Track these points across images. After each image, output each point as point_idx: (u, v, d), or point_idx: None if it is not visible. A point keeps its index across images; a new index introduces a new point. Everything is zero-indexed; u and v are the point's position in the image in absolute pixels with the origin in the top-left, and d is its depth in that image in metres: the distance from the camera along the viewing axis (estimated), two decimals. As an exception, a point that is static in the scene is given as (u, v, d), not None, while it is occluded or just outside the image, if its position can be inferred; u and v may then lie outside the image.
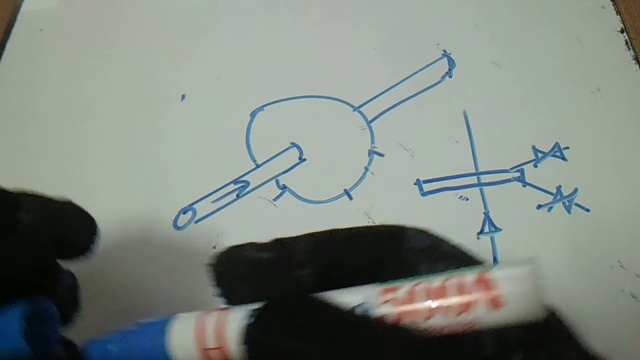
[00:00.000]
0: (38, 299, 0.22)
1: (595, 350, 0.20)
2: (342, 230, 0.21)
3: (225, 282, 0.21)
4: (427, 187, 0.47)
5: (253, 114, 0.51)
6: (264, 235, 0.21)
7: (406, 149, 0.48)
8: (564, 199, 0.46)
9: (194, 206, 0.46)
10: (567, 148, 0.48)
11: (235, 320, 0.19)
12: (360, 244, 0.21)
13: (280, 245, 0.21)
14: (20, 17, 0.57)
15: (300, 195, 0.47)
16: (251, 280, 0.21)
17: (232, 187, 0.47)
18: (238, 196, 0.47)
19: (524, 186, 0.47)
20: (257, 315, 0.18)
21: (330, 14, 0.56)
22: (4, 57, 0.54)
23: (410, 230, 0.21)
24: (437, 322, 0.17)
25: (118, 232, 0.45)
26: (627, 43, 0.52)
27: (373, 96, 0.51)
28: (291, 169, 0.48)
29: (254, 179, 0.47)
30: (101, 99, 0.52)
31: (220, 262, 0.21)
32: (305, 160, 0.48)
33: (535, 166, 0.47)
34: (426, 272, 0.19)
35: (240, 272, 0.21)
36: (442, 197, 0.46)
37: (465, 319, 0.17)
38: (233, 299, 0.21)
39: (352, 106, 0.51)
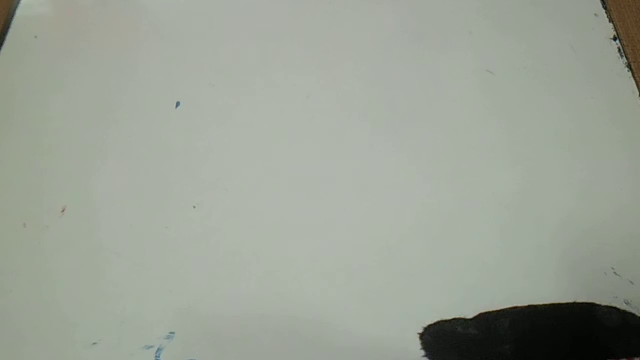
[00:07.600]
0: None
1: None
2: (538, 307, 0.27)
3: (434, 349, 0.26)
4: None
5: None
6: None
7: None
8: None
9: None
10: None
11: None
12: (553, 321, 0.26)
13: (485, 321, 0.26)
14: (14, 23, 0.57)
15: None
16: (458, 350, 0.26)
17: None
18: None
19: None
20: None
21: (325, 25, 0.56)
22: (-3, 62, 0.54)
23: (599, 308, 0.27)
24: None
25: (113, 236, 0.45)
26: (619, 50, 0.53)
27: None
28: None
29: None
30: (95, 105, 0.52)
31: (430, 332, 0.26)
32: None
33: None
34: (622, 350, 0.22)
35: (449, 343, 0.26)
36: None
37: None
38: None
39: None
